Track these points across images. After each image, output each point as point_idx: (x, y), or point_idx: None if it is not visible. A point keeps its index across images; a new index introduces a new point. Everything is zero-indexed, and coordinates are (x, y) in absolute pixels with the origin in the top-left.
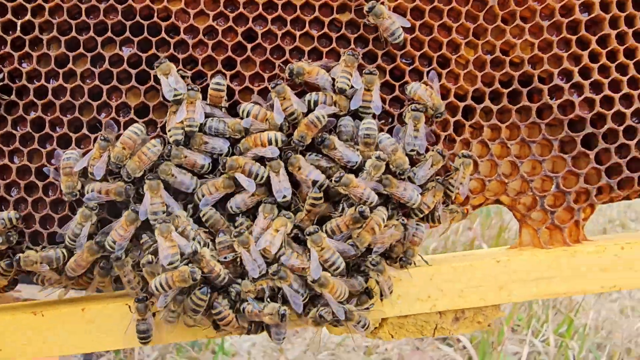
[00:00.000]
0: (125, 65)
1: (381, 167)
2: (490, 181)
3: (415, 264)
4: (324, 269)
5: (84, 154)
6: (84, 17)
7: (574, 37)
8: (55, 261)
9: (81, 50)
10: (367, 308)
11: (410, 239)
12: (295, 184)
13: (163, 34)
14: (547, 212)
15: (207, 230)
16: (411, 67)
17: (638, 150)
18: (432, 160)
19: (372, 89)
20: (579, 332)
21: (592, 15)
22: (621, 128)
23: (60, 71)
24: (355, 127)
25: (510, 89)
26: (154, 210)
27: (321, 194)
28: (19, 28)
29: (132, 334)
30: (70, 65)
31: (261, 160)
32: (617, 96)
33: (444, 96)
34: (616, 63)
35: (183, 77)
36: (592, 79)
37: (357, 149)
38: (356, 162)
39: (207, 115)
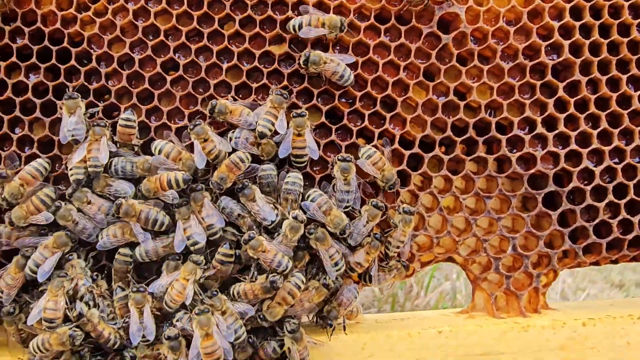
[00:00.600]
0: (30, 94)
1: (299, 229)
2: (440, 238)
3: (344, 328)
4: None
5: None
6: None
7: (538, 82)
8: None
9: None
10: None
11: (338, 300)
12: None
13: (73, 62)
14: (503, 276)
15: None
16: (352, 107)
17: (608, 214)
18: (368, 216)
19: (303, 132)
20: None
21: (561, 59)
22: (589, 187)
23: None
24: (278, 178)
25: (465, 136)
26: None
27: (232, 252)
28: None
29: None
30: None
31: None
32: (585, 151)
33: (389, 142)
34: (586, 114)
35: (92, 114)
36: (557, 131)
37: (277, 205)
38: (272, 222)
39: (113, 155)
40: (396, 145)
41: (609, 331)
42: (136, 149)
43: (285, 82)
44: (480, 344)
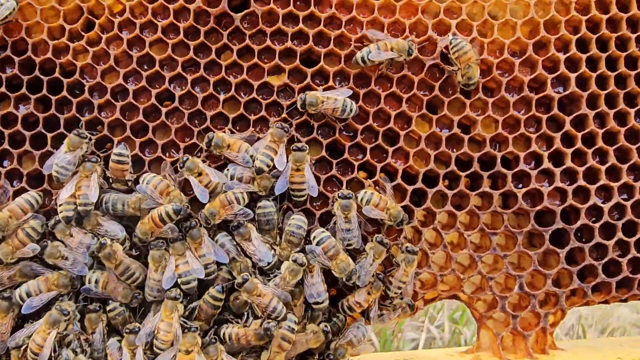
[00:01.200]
0: (19, 126)
1: (299, 272)
2: (444, 275)
3: None
4: None
5: None
6: None
7: (545, 116)
8: None
9: None
10: None
11: (347, 339)
12: None
13: (65, 92)
14: (509, 315)
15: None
16: (353, 141)
17: (617, 251)
18: (374, 254)
19: (302, 167)
20: (470, 319)
21: (568, 92)
22: (597, 225)
23: None
24: (278, 215)
25: (470, 171)
26: (32, 305)
27: (223, 296)
28: None
29: None
30: None
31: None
32: (593, 188)
33: (392, 176)
34: (593, 148)
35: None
36: (564, 166)
37: (275, 246)
38: (269, 263)
39: (103, 191)
40: (399, 180)
41: None
42: (129, 184)
43: (284, 115)
44: None
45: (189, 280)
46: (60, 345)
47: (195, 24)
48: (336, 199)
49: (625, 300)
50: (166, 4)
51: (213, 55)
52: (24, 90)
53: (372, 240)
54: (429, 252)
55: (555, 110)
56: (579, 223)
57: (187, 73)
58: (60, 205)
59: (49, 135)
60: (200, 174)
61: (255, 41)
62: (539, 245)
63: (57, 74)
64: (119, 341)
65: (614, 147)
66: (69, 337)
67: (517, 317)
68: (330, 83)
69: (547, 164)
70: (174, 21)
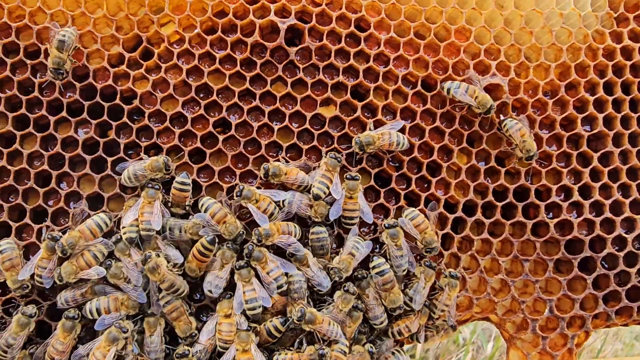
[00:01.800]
0: (79, 150)
1: (350, 300)
2: (479, 299)
3: None
4: None
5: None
6: (36, 93)
7: (575, 152)
8: None
9: (31, 129)
10: None
11: None
12: None
13: (125, 118)
14: (539, 337)
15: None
16: (399, 172)
17: (638, 278)
18: (425, 277)
19: (355, 195)
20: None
21: (596, 130)
22: (622, 254)
23: (5, 151)
24: (331, 240)
25: (505, 202)
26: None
27: (283, 328)
28: None
29: None
30: (16, 144)
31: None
32: (618, 219)
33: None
34: (618, 183)
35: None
36: (592, 199)
37: (328, 270)
38: (326, 288)
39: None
40: (441, 209)
41: None
42: (187, 208)
43: (335, 145)
44: None
45: (254, 307)
46: None
47: (251, 56)
48: (383, 229)
49: None
50: (224, 36)
51: (268, 87)
52: (84, 114)
53: (421, 265)
54: (466, 276)
55: (584, 147)
56: (605, 252)
57: (244, 102)
58: (123, 227)
59: (109, 159)
60: (257, 201)
61: (307, 74)
62: (566, 272)
63: (117, 101)
64: None
65: (637, 182)
66: (130, 357)
67: (547, 339)
68: (379, 117)
69: (576, 197)
70: (231, 53)
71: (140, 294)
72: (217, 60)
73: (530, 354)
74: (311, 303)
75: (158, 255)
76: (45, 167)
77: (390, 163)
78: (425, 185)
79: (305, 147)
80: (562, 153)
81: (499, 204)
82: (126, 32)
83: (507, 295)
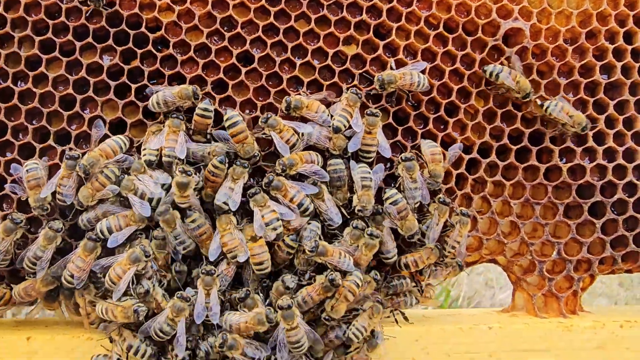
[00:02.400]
0: (104, 75)
1: (360, 237)
2: (489, 240)
3: (397, 322)
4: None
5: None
6: (63, 18)
7: (591, 99)
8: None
9: (56, 53)
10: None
11: (394, 304)
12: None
13: (150, 47)
14: (545, 279)
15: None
16: (417, 111)
17: None
18: (438, 213)
19: (374, 131)
20: (457, 281)
21: (612, 79)
22: (632, 200)
23: (31, 74)
24: (348, 172)
25: (520, 145)
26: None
27: (296, 245)
28: None
29: None
30: (42, 68)
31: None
32: (630, 166)
33: (447, 144)
34: (632, 131)
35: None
36: (606, 145)
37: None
38: (337, 224)
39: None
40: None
41: None
42: (209, 136)
43: (355, 82)
44: (526, 341)
45: (276, 227)
46: (138, 278)
47: None
48: (400, 162)
49: None
50: None
51: (292, 22)
52: (110, 41)
53: (434, 201)
54: (478, 217)
55: (600, 95)
56: (615, 197)
57: (267, 37)
58: (144, 149)
59: (133, 86)
60: (281, 131)
61: (331, 12)
62: (574, 217)
63: (143, 29)
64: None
65: None
66: (149, 273)
67: (553, 280)
68: (400, 56)
69: (590, 143)
70: None
71: (145, 206)
72: None
73: (536, 294)
74: (321, 237)
75: (190, 174)
76: (70, 91)
77: (409, 103)
78: (442, 126)
79: (326, 83)
80: (579, 100)
81: (514, 148)
82: None
83: (516, 237)
